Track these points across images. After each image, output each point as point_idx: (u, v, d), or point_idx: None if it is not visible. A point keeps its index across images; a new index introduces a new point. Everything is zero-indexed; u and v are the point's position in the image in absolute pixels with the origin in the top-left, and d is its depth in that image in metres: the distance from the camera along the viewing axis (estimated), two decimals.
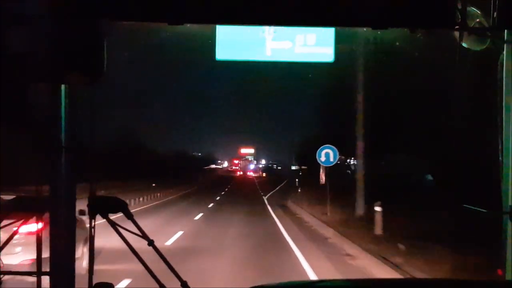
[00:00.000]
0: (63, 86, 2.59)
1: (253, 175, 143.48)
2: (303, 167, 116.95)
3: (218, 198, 47.65)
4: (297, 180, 68.09)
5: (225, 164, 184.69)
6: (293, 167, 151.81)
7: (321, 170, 57.54)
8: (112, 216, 2.62)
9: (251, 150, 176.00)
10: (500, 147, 3.02)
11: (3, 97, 2.58)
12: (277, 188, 76.90)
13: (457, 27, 2.83)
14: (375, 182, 27.97)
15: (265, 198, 50.93)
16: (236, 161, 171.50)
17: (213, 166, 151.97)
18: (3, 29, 2.53)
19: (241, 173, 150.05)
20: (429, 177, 36.75)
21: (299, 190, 49.57)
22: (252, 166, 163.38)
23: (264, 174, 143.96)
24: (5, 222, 2.67)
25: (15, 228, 2.23)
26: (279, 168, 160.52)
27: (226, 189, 68.10)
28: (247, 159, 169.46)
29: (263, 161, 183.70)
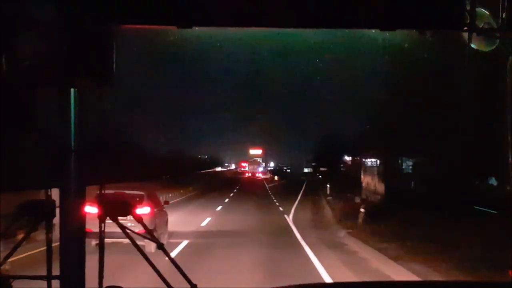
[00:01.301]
0: (72, 90, 2.60)
1: (262, 176, 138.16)
2: (322, 169, 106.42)
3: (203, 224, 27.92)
4: (328, 186, 52.95)
5: (232, 166, 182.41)
6: (306, 170, 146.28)
7: (367, 174, 49.45)
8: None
9: (259, 151, 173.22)
10: (509, 149, 3.01)
11: (13, 101, 2.59)
12: (299, 197, 54.79)
13: (465, 28, 2.82)
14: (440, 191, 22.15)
15: (290, 223, 29.14)
16: (244, 164, 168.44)
17: (218, 169, 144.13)
18: (12, 33, 2.54)
19: (250, 174, 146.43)
20: (493, 180, 28.03)
21: (362, 211, 28.32)
22: (260, 169, 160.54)
23: (276, 178, 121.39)
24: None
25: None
26: (288, 170, 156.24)
27: (227, 200, 48.33)
28: (255, 160, 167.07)
29: (271, 164, 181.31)
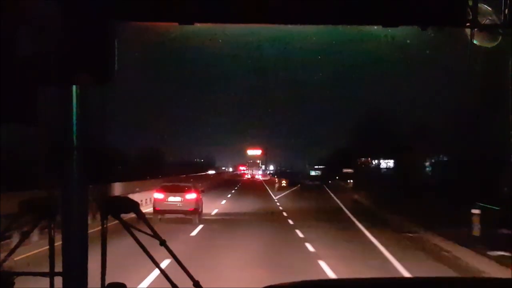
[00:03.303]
0: (74, 87, 2.60)
1: (262, 178, 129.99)
2: (346, 170, 78.55)
3: None
4: (474, 213, 21.81)
5: (230, 169, 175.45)
6: (313, 172, 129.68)
7: None
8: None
9: (258, 152, 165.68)
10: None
11: (15, 98, 2.59)
12: None
13: (468, 24, 2.83)
14: None
15: None
16: (242, 168, 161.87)
17: (210, 172, 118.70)
18: (14, 30, 2.54)
19: (249, 176, 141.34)
20: None
21: None
22: (260, 171, 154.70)
23: (284, 182, 78.37)
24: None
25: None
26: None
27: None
28: (255, 162, 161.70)
29: (271, 167, 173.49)
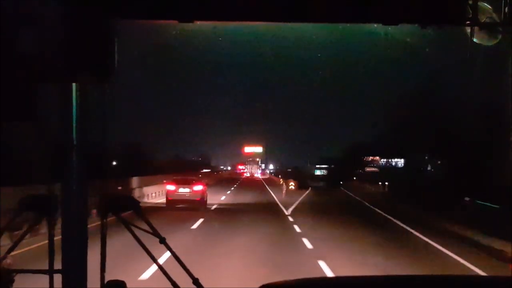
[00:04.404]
0: (74, 85, 2.60)
1: (261, 177, 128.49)
2: (369, 169, 65.87)
3: None
4: None
5: (229, 168, 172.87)
6: (318, 172, 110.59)
7: None
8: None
9: (258, 149, 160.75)
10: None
11: (15, 96, 2.59)
12: None
13: (468, 22, 2.83)
14: None
15: None
16: (240, 167, 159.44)
17: (204, 170, 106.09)
18: (14, 29, 2.54)
19: (248, 175, 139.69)
20: None
21: None
22: (259, 170, 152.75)
23: (292, 185, 60.75)
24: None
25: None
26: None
27: None
28: (254, 160, 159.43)
29: (271, 166, 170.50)
